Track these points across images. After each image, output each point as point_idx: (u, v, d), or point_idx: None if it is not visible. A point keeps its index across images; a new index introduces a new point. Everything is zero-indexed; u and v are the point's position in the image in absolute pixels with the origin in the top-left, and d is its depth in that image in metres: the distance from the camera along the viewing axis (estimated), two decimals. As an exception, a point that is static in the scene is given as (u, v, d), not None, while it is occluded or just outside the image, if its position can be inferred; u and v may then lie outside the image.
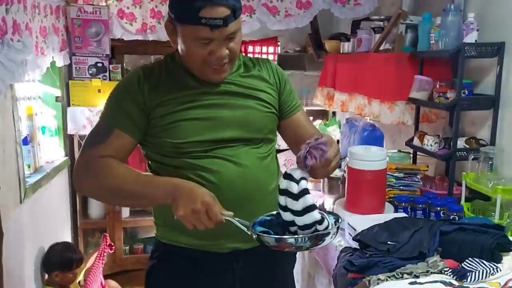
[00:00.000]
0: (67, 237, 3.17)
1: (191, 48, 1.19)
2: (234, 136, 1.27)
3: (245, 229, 1.11)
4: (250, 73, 1.35)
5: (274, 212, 1.19)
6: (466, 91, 2.05)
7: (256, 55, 4.35)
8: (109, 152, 1.21)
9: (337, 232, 1.11)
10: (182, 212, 1.09)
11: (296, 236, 1.08)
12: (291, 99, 1.41)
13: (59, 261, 2.57)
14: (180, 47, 1.24)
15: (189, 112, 1.24)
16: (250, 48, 4.69)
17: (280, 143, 1.52)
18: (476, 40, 2.02)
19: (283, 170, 1.25)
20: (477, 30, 2.02)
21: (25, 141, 2.46)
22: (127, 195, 1.20)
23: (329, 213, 1.19)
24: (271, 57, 4.82)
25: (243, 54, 1.42)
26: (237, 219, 1.12)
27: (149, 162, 1.35)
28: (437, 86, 2.17)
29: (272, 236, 1.09)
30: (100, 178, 1.19)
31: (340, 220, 1.14)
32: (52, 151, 2.93)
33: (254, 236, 1.10)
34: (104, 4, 3.13)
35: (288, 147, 1.49)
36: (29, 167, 2.52)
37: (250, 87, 1.33)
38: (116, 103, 1.25)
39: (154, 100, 1.24)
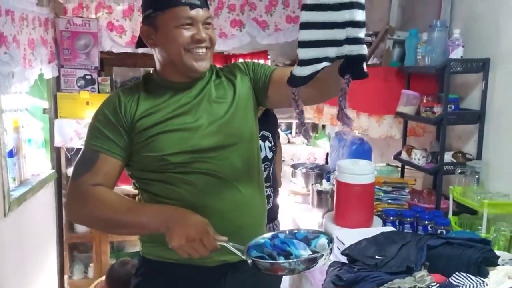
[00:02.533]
0: (53, 252, 3.12)
1: (173, 34, 1.23)
2: (212, 144, 1.27)
3: (240, 254, 1.11)
4: (223, 79, 1.37)
5: (267, 235, 1.20)
6: (453, 106, 2.07)
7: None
8: (98, 179, 1.22)
9: (330, 253, 1.11)
10: (177, 243, 1.10)
11: (290, 260, 1.08)
12: (262, 68, 1.40)
13: None
14: (161, 43, 1.26)
15: (167, 124, 1.25)
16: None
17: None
18: (461, 56, 2.06)
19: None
20: (463, 46, 2.06)
21: (11, 154, 2.42)
22: (119, 225, 1.21)
23: (322, 233, 1.19)
24: (261, 70, 4.87)
25: (215, 65, 1.44)
26: (231, 244, 1.13)
27: (135, 181, 1.35)
28: (424, 101, 2.20)
29: (267, 261, 1.09)
30: (92, 209, 1.20)
31: (333, 242, 1.14)
32: (38, 164, 2.90)
33: (249, 261, 1.10)
34: (93, 16, 3.13)
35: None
36: (14, 180, 2.49)
37: (226, 91, 1.34)
38: (98, 128, 1.26)
39: (134, 118, 1.25)
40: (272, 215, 2.22)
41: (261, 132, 2.22)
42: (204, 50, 1.26)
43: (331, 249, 1.11)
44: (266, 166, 2.18)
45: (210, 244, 1.10)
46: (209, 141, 1.27)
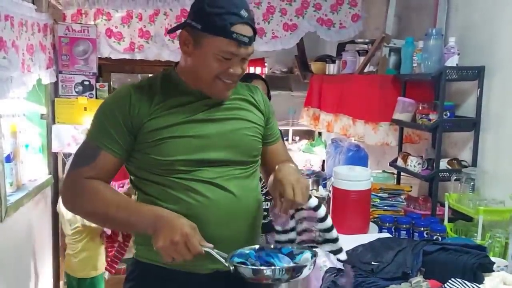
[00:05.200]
0: (48, 257, 3.11)
1: (210, 61, 1.21)
2: (221, 157, 1.27)
3: (223, 260, 1.12)
4: (241, 96, 1.37)
5: (255, 246, 1.21)
6: (448, 113, 2.09)
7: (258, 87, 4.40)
8: (94, 173, 1.22)
9: (313, 265, 1.13)
10: (162, 243, 1.10)
11: (273, 267, 1.09)
12: (274, 130, 1.46)
13: None
14: (195, 58, 1.24)
15: (178, 129, 1.24)
16: (237, 69, 4.74)
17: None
18: (457, 64, 2.08)
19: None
20: (458, 54, 2.08)
21: (8, 159, 2.42)
22: (110, 221, 1.24)
23: (307, 249, 1.21)
24: (258, 77, 4.87)
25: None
26: (216, 251, 1.13)
27: (132, 178, 1.34)
28: (420, 108, 2.22)
29: (249, 267, 1.10)
30: (85, 202, 1.21)
31: (317, 255, 1.17)
32: (35, 169, 2.89)
33: (231, 268, 1.11)
34: (92, 23, 3.14)
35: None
36: (11, 185, 2.48)
37: (241, 108, 1.35)
38: (104, 124, 1.24)
39: (144, 118, 1.23)
40: (269, 228, 2.20)
41: None
42: (232, 83, 1.27)
43: (315, 261, 1.13)
44: None
45: (193, 248, 1.10)
46: (218, 154, 1.27)
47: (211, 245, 1.14)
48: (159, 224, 1.12)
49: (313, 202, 1.22)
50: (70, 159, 3.00)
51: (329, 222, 1.25)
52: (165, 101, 1.26)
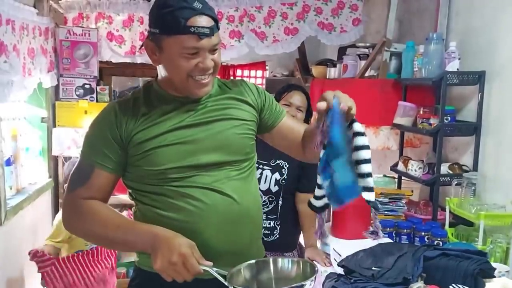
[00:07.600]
0: (48, 261, 3.10)
1: (177, 61, 1.20)
2: (213, 160, 1.26)
3: (223, 280, 1.11)
4: (227, 95, 1.36)
5: (253, 261, 1.19)
6: (449, 118, 2.09)
7: (244, 79, 4.40)
8: (91, 193, 1.23)
9: (315, 280, 1.11)
10: (160, 265, 1.10)
11: None
12: (275, 108, 1.42)
13: None
14: (164, 64, 1.24)
15: (166, 138, 1.24)
16: (238, 72, 4.74)
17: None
18: (458, 69, 2.08)
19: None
20: (459, 59, 2.08)
21: (8, 162, 2.42)
22: (108, 241, 1.24)
23: (306, 261, 1.20)
24: (259, 81, 4.87)
25: (219, 78, 1.42)
26: (215, 269, 1.12)
27: (130, 191, 1.34)
28: (421, 112, 2.22)
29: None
30: (84, 223, 1.22)
31: (316, 270, 1.14)
32: (36, 172, 2.89)
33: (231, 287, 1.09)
34: (93, 26, 3.15)
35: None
36: (11, 188, 2.48)
37: (228, 107, 1.33)
38: (94, 142, 1.26)
39: (131, 131, 1.24)
40: (276, 248, 2.05)
41: (277, 161, 2.04)
42: (207, 77, 1.25)
43: (315, 277, 1.11)
44: (270, 199, 2.03)
45: (192, 268, 1.10)
46: (209, 157, 1.26)
47: (210, 263, 1.12)
48: (156, 244, 1.12)
49: (358, 127, 1.12)
50: (68, 163, 3.03)
51: (362, 154, 1.11)
52: (150, 112, 1.26)
